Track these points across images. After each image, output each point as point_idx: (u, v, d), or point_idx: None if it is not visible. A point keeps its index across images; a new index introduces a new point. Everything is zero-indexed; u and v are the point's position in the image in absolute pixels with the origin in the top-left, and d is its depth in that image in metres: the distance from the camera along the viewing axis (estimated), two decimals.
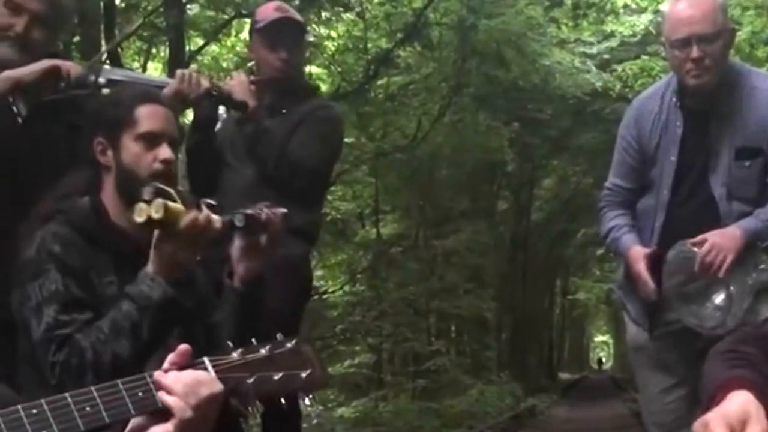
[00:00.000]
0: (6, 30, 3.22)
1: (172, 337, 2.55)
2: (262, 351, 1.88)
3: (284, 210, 2.78)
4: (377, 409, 13.74)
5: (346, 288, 16.51)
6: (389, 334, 15.61)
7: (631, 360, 4.10)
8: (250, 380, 1.84)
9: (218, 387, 1.77)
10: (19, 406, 1.58)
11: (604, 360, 64.94)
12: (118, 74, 3.50)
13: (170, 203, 2.44)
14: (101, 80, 3.27)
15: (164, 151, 2.67)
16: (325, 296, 15.28)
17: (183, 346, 1.79)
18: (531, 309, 25.95)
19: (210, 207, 2.55)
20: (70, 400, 1.67)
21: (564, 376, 38.03)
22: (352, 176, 14.87)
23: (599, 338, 69.44)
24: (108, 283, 2.58)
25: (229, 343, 1.88)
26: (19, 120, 3.19)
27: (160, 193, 2.45)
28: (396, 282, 16.10)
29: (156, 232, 2.48)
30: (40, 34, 3.28)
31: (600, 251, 29.05)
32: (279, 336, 1.92)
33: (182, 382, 1.74)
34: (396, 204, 17.61)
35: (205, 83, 3.54)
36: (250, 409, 1.85)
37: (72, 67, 3.14)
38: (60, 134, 3.13)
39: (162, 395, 1.73)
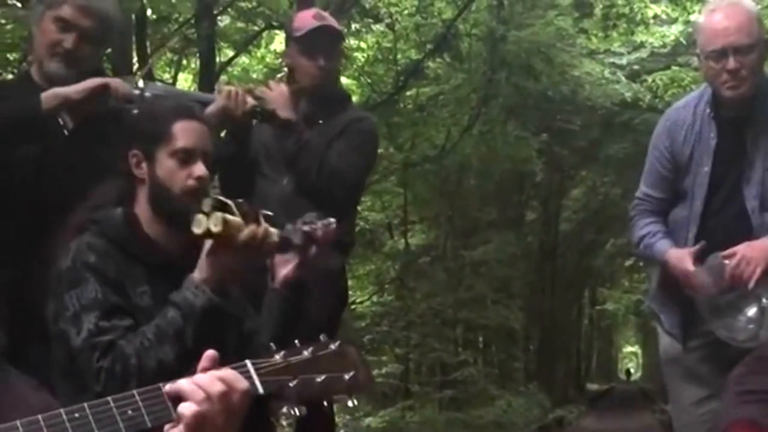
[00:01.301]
0: (55, 46, 3.28)
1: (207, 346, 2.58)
2: (305, 353, 1.86)
3: (334, 220, 2.79)
4: (404, 419, 13.72)
5: (374, 298, 16.51)
6: (417, 345, 15.60)
7: (663, 371, 4.09)
8: (293, 383, 1.83)
9: (244, 385, 1.75)
10: (61, 410, 1.59)
11: (632, 371, 64.47)
12: (163, 90, 3.55)
13: (229, 216, 2.47)
14: (148, 95, 3.31)
15: (198, 169, 2.69)
16: (353, 306, 15.28)
17: (210, 351, 1.78)
18: (559, 319, 25.80)
19: (267, 219, 2.58)
20: (112, 404, 1.68)
21: (592, 386, 37.78)
22: (381, 186, 14.87)
23: (628, 349, 68.91)
24: (141, 294, 2.61)
25: (272, 344, 1.87)
26: (65, 132, 3.24)
27: (219, 206, 2.49)
28: (424, 292, 16.07)
29: (209, 242, 2.52)
30: (87, 50, 3.34)
31: (629, 262, 28.87)
32: (322, 337, 1.91)
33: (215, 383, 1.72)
34: (424, 214, 17.59)
35: (251, 101, 3.57)
36: (293, 411, 1.84)
37: (120, 84, 3.19)
38: (104, 147, 3.15)
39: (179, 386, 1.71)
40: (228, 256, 2.51)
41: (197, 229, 2.46)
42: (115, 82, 3.19)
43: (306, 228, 2.71)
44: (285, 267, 2.78)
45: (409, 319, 15.58)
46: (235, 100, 3.49)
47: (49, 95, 3.15)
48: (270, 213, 2.61)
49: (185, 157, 2.69)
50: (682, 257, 3.65)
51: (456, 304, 16.30)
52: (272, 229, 2.57)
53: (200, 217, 2.47)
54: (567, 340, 29.32)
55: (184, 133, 2.71)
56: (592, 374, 43.90)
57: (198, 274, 2.53)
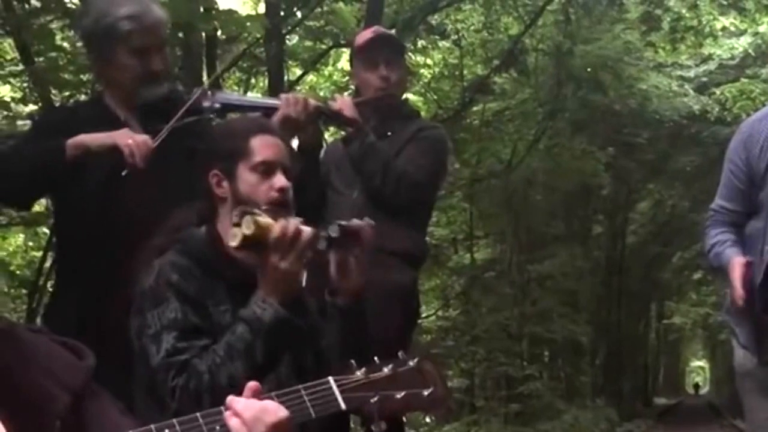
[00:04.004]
0: (145, 75, 3.27)
1: (283, 365, 2.61)
2: (385, 369, 1.89)
3: (373, 222, 2.78)
4: None
5: (440, 313, 16.51)
6: (482, 359, 15.57)
7: (737, 385, 4.04)
8: (374, 399, 1.86)
9: (283, 414, 1.78)
10: (152, 426, 1.63)
11: (701, 385, 63.57)
12: (230, 98, 3.58)
13: (259, 218, 2.50)
14: (216, 105, 3.37)
15: (280, 180, 2.71)
16: (418, 321, 15.26)
17: (252, 384, 1.81)
18: (626, 333, 25.56)
19: (301, 221, 2.59)
20: (201, 420, 1.72)
21: (660, 401, 37.31)
22: (447, 202, 14.90)
23: (695, 363, 68.03)
24: (223, 312, 2.62)
25: (352, 361, 1.90)
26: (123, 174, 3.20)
27: (246, 214, 2.51)
28: (489, 307, 16.05)
29: (260, 254, 2.54)
30: (166, 57, 3.38)
31: (697, 275, 28.54)
32: (401, 354, 1.94)
33: (251, 409, 1.76)
34: (490, 229, 17.56)
35: (313, 103, 3.53)
36: (373, 428, 1.88)
37: (138, 146, 3.10)
38: (179, 160, 3.14)
39: (229, 418, 1.75)
40: (274, 259, 2.52)
41: (233, 242, 2.49)
42: (131, 146, 3.10)
43: (343, 222, 2.70)
44: (342, 280, 2.77)
45: (475, 333, 15.56)
46: (295, 106, 3.47)
47: (73, 144, 3.12)
48: (300, 218, 2.62)
49: (266, 170, 2.71)
50: (734, 267, 3.63)
51: (522, 319, 16.25)
52: (304, 227, 2.57)
53: (234, 229, 2.50)
54: (634, 354, 29.03)
55: (262, 146, 2.74)
56: (660, 388, 43.38)
57: (261, 288, 2.55)
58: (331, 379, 1.86)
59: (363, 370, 1.89)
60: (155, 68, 3.30)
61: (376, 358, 1.93)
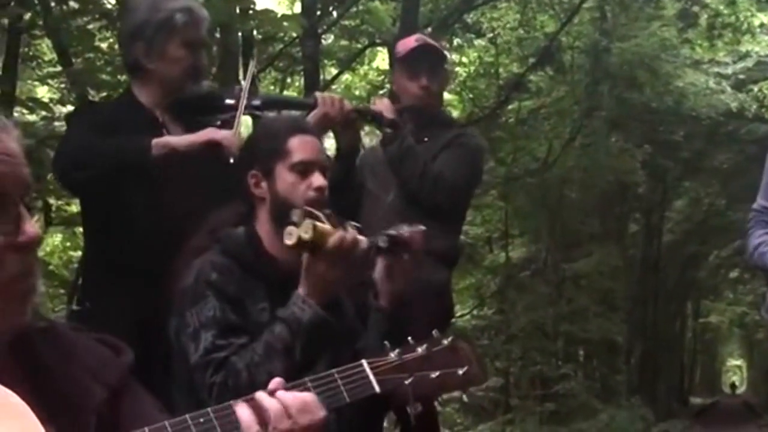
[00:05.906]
0: (192, 69, 3.29)
1: (320, 364, 2.59)
2: (419, 350, 1.87)
3: (424, 228, 2.80)
4: None
5: (475, 312, 16.49)
6: (518, 358, 15.54)
7: None
8: (408, 381, 1.84)
9: (321, 414, 1.75)
10: (186, 416, 1.60)
11: (737, 384, 63.08)
12: (263, 98, 3.59)
13: (318, 224, 2.50)
14: (255, 102, 3.38)
15: (317, 179, 2.72)
16: (453, 320, 15.25)
17: (276, 380, 1.80)
18: (662, 332, 25.40)
19: (356, 229, 2.60)
20: (234, 408, 1.71)
21: (696, 400, 37.07)
22: (482, 201, 14.87)
23: (732, 362, 67.55)
24: (260, 310, 2.64)
25: (386, 343, 1.89)
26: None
27: (308, 215, 2.52)
28: (524, 306, 16.02)
29: (306, 255, 2.54)
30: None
31: (733, 274, 28.32)
32: (435, 333, 1.92)
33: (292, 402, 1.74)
34: (525, 228, 17.52)
35: (348, 105, 3.54)
36: (408, 409, 1.85)
37: (231, 141, 3.15)
38: (218, 166, 3.13)
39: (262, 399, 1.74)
40: (322, 265, 2.54)
41: (289, 241, 2.49)
42: (228, 139, 3.16)
43: (392, 232, 2.73)
44: (388, 285, 2.80)
45: (510, 332, 15.54)
46: (332, 105, 3.46)
47: (160, 144, 3.15)
48: (359, 225, 2.63)
49: (304, 170, 2.73)
50: None
51: (557, 318, 16.20)
52: (361, 237, 2.59)
53: (291, 228, 2.50)
54: (670, 353, 28.83)
55: (300, 146, 2.75)
56: (696, 388, 43.11)
57: (302, 289, 2.56)
58: (364, 362, 1.85)
59: (397, 351, 1.87)
60: (202, 63, 3.35)
61: (410, 338, 1.91)
